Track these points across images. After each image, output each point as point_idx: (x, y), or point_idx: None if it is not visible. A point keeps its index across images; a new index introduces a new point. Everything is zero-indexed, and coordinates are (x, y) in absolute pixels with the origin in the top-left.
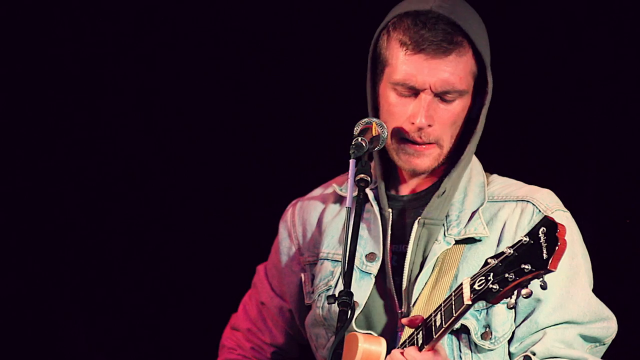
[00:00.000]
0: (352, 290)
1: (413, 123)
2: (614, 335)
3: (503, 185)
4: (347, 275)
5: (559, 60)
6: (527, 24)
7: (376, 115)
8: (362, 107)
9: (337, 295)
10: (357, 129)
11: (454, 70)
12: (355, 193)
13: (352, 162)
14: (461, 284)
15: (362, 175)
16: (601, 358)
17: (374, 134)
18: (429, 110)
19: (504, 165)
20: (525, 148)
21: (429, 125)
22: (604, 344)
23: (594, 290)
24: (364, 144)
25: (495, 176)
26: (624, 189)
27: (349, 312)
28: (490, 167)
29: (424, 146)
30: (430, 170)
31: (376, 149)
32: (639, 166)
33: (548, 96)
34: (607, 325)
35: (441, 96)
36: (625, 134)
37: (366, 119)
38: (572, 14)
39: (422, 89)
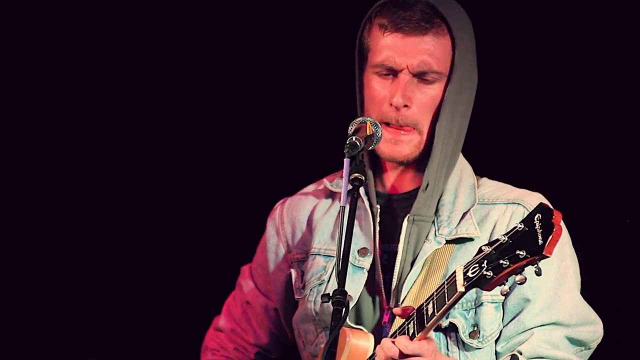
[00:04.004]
0: (346, 284)
1: (391, 104)
2: (599, 340)
3: (493, 188)
4: (342, 275)
5: (554, 60)
6: (524, 24)
7: (362, 107)
8: (351, 106)
9: (331, 294)
10: (351, 128)
11: (431, 50)
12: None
13: (346, 161)
14: (454, 271)
15: (356, 174)
16: None
17: (368, 133)
18: (405, 90)
19: (501, 167)
20: (521, 151)
21: (406, 106)
22: (590, 348)
23: (589, 292)
24: (358, 143)
25: (485, 179)
26: (619, 191)
27: (344, 310)
28: (489, 171)
29: (402, 130)
30: (412, 160)
31: (370, 147)
32: (634, 166)
33: (544, 97)
34: (593, 330)
35: (420, 77)
36: (620, 134)
37: (360, 118)
38: (564, 13)
39: (400, 69)
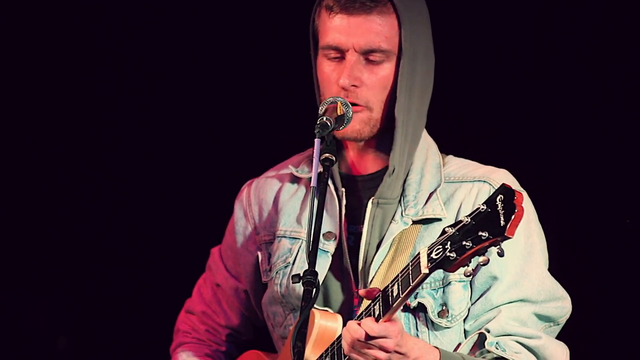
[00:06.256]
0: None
1: (339, 85)
2: (568, 315)
3: (459, 166)
4: (312, 255)
5: (531, 47)
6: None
7: (319, 91)
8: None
9: (301, 275)
10: (322, 109)
11: (377, 28)
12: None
13: (317, 141)
14: (418, 253)
15: (327, 155)
16: (555, 338)
17: (339, 113)
18: (352, 71)
19: (468, 145)
20: (489, 128)
21: (354, 86)
22: (558, 324)
23: (558, 268)
24: (328, 123)
25: (451, 157)
26: (589, 170)
27: (314, 291)
28: (456, 150)
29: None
30: (366, 137)
31: (341, 128)
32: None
33: (514, 75)
34: (561, 305)
35: (367, 57)
36: (590, 112)
37: (331, 98)
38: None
39: (346, 49)
